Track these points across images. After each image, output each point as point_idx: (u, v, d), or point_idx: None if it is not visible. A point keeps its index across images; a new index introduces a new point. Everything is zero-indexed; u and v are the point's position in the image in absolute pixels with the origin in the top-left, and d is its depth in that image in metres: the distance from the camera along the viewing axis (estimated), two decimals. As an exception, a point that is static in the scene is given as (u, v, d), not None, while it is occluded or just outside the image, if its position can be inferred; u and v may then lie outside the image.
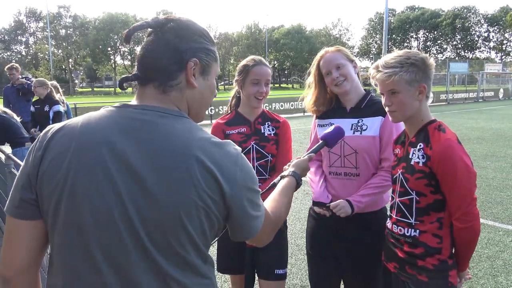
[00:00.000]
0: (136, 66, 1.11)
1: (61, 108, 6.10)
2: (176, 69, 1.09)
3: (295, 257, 4.13)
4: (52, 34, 66.68)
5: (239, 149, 1.12)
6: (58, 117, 6.01)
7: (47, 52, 67.73)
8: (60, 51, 73.84)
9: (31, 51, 77.05)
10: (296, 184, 1.49)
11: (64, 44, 72.58)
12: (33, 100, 6.42)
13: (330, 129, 1.84)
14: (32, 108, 6.27)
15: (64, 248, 1.03)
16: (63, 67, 75.92)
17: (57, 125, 1.08)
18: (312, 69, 2.28)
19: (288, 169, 1.55)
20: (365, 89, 2.28)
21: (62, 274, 1.04)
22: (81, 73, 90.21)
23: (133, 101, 1.12)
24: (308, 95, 2.34)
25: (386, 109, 1.80)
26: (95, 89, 79.77)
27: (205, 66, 1.13)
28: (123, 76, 1.12)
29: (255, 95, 2.34)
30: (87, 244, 0.99)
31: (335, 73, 2.15)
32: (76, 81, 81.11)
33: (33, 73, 63.55)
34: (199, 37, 1.12)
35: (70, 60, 75.06)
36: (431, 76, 1.75)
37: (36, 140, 1.08)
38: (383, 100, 1.80)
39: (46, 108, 6.03)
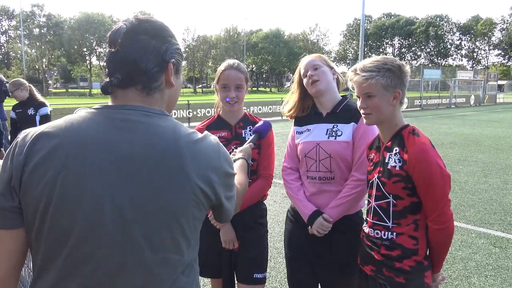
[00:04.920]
0: (110, 68, 1.09)
1: (49, 111, 5.39)
2: (158, 71, 1.10)
3: (274, 260, 4.14)
4: (25, 33, 64.97)
5: (217, 139, 1.18)
6: (46, 121, 5.14)
7: (19, 52, 66.01)
8: (33, 50, 71.96)
9: (3, 50, 74.90)
10: (247, 165, 1.72)
11: (37, 43, 70.73)
12: (14, 104, 5.63)
13: (260, 123, 2.16)
14: (12, 114, 5.48)
15: (51, 253, 1.00)
16: (37, 67, 74.02)
17: (34, 129, 1.05)
18: (296, 74, 2.35)
19: (237, 154, 1.78)
20: (342, 96, 2.32)
21: (47, 280, 1.01)
22: (55, 74, 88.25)
23: (111, 103, 1.10)
24: (289, 101, 2.40)
25: (361, 111, 1.84)
26: (69, 90, 78.32)
27: (178, 65, 1.17)
28: (106, 81, 1.08)
29: (225, 100, 2.34)
30: (76, 247, 0.98)
31: (311, 72, 2.22)
32: (50, 82, 79.19)
33: (5, 73, 61.70)
34: (171, 37, 1.15)
35: (44, 60, 73.19)
36: (406, 83, 1.80)
37: (14, 145, 1.04)
38: (358, 103, 1.84)
39: (31, 112, 5.26)
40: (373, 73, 1.73)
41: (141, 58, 1.06)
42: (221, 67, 2.38)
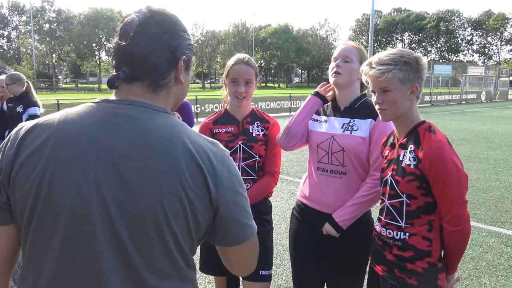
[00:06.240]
0: (118, 61, 1.03)
1: (38, 111, 5.03)
2: (168, 68, 1.05)
3: (280, 258, 4.09)
4: (35, 28, 65.45)
5: (228, 151, 1.09)
6: None
7: (30, 47, 66.63)
8: (43, 46, 72.56)
9: (13, 45, 75.61)
10: None
11: (47, 39, 71.25)
12: (10, 97, 5.33)
13: None
14: (4, 107, 5.17)
15: (38, 252, 0.96)
16: (47, 62, 74.64)
17: (29, 123, 1.01)
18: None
19: None
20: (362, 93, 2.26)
21: (34, 280, 0.97)
22: (65, 69, 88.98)
23: (114, 97, 1.05)
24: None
25: (377, 107, 1.76)
26: (79, 85, 78.76)
27: (188, 62, 1.12)
28: (112, 74, 1.03)
29: (234, 94, 2.31)
30: (63, 247, 0.93)
31: (339, 62, 2.14)
32: (60, 77, 79.88)
33: (15, 67, 62.27)
34: (184, 32, 1.09)
35: (54, 55, 73.78)
36: (423, 76, 1.72)
37: (7, 139, 1.00)
38: (374, 98, 1.77)
39: (19, 109, 4.93)
40: (389, 66, 1.66)
41: (151, 53, 1.01)
42: (230, 61, 2.34)
